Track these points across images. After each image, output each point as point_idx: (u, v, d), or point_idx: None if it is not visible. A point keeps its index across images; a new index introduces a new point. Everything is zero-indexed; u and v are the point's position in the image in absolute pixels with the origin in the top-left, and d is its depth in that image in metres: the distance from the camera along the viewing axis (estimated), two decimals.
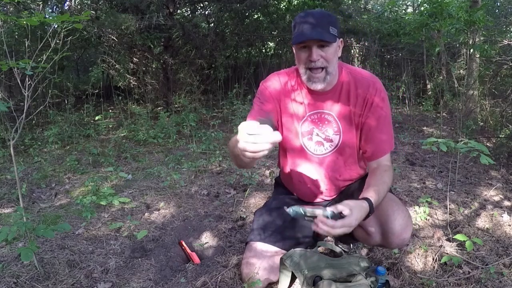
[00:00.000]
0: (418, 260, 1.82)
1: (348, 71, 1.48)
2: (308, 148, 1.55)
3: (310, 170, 1.59)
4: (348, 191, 1.62)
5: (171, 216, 2.32)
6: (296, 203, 1.68)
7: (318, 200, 1.66)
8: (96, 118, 4.57)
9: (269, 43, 7.78)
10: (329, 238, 2.00)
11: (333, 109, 1.48)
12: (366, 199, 1.27)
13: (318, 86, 1.38)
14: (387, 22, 7.36)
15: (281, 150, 1.68)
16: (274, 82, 1.54)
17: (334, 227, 1.15)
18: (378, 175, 1.43)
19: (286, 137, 1.57)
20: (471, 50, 4.91)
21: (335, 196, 1.66)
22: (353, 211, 1.17)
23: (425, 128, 5.00)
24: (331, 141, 1.52)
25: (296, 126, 1.53)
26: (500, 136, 4.04)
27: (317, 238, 1.66)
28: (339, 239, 1.87)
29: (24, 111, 1.71)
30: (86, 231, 2.13)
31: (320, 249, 1.78)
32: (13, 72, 1.80)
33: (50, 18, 2.15)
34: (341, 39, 1.39)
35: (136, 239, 2.01)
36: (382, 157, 1.47)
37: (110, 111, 5.48)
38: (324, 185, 1.61)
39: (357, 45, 7.78)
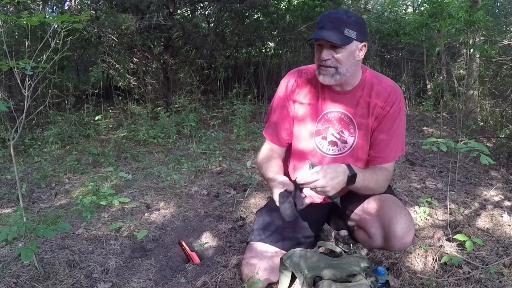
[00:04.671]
0: (418, 260, 1.82)
1: (371, 77, 1.48)
2: (321, 148, 1.53)
3: (317, 164, 1.56)
4: (350, 193, 1.60)
5: (171, 216, 2.32)
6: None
7: (321, 201, 1.65)
8: (96, 118, 4.57)
9: (269, 43, 7.78)
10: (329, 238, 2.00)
11: (351, 110, 1.48)
12: (347, 164, 1.35)
13: (326, 80, 1.39)
14: (387, 22, 7.35)
15: (289, 149, 1.67)
16: (284, 84, 1.57)
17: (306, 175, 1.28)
18: (371, 168, 1.49)
19: (296, 137, 1.57)
20: (471, 50, 4.91)
21: None
22: (324, 169, 1.28)
23: (425, 128, 5.00)
24: (345, 142, 1.51)
25: (310, 124, 1.53)
26: (500, 136, 4.04)
27: (318, 237, 1.66)
28: (341, 239, 1.87)
29: (24, 111, 1.71)
30: (86, 231, 2.12)
31: (320, 249, 1.78)
32: (13, 72, 1.80)
33: (50, 18, 2.16)
34: (363, 43, 1.37)
35: (136, 239, 2.00)
36: (383, 164, 1.48)
37: (110, 111, 5.48)
38: None
39: None
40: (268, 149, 1.61)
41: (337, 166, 1.32)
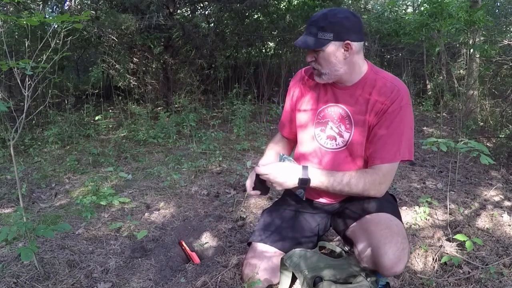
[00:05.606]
0: (418, 260, 1.82)
1: (375, 74, 1.47)
2: (319, 141, 1.54)
3: (317, 163, 1.55)
4: (353, 199, 1.56)
5: (171, 216, 2.32)
6: (301, 206, 1.66)
7: (321, 200, 1.63)
8: (96, 118, 4.57)
9: (269, 43, 7.78)
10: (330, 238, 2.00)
11: (349, 107, 1.48)
12: (305, 166, 1.44)
13: (317, 80, 1.48)
14: (387, 22, 7.36)
15: (296, 147, 1.69)
16: (290, 96, 1.66)
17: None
18: (353, 171, 1.48)
19: (300, 141, 1.60)
20: (471, 50, 4.92)
21: (339, 200, 1.62)
22: (273, 165, 1.44)
23: (425, 128, 5.00)
24: (342, 137, 1.50)
25: (311, 127, 1.54)
26: (500, 136, 4.04)
27: (319, 238, 1.65)
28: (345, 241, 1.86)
29: (24, 111, 1.71)
30: (86, 231, 2.13)
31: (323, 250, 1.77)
32: (13, 72, 1.80)
33: (50, 18, 2.15)
34: (346, 41, 1.35)
35: (136, 239, 2.01)
36: (376, 165, 1.45)
37: (110, 111, 5.48)
38: None
39: None
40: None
41: (293, 167, 1.43)
